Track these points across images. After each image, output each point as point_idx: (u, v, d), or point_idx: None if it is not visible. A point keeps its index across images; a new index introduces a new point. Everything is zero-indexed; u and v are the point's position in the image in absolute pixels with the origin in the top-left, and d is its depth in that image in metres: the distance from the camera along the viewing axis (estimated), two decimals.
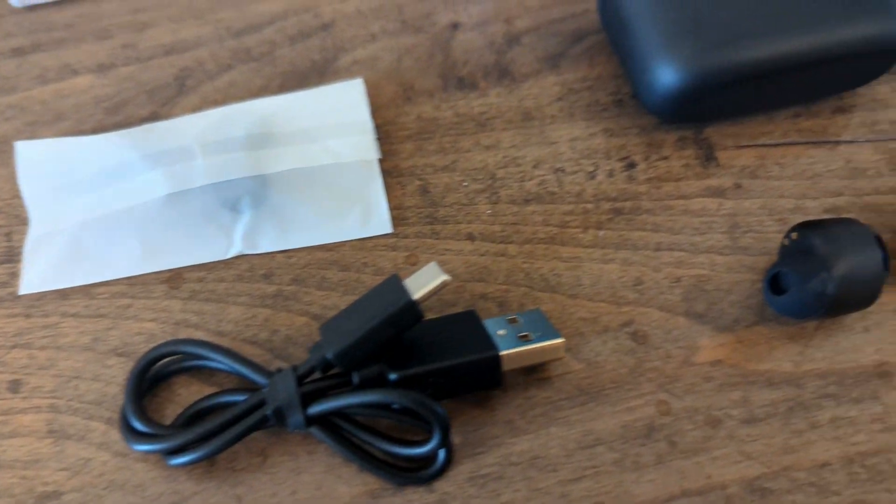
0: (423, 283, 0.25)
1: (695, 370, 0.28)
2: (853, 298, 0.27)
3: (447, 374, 0.25)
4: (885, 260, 0.27)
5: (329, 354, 0.25)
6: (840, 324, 0.29)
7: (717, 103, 0.30)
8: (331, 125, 0.31)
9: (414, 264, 0.29)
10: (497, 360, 0.26)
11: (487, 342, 0.26)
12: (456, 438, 0.27)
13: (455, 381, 0.26)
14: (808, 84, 0.31)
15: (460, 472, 0.26)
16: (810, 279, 0.26)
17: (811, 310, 0.26)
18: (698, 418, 0.27)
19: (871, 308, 0.29)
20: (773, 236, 0.30)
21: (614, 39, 0.32)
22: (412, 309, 0.25)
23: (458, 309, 0.28)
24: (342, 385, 0.26)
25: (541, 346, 0.26)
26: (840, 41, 0.29)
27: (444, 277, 0.25)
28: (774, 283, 0.27)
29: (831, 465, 0.27)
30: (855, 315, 0.29)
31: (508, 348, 0.26)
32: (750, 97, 0.31)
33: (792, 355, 0.28)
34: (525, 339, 0.26)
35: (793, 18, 0.29)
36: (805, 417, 0.27)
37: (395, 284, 0.25)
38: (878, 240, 0.27)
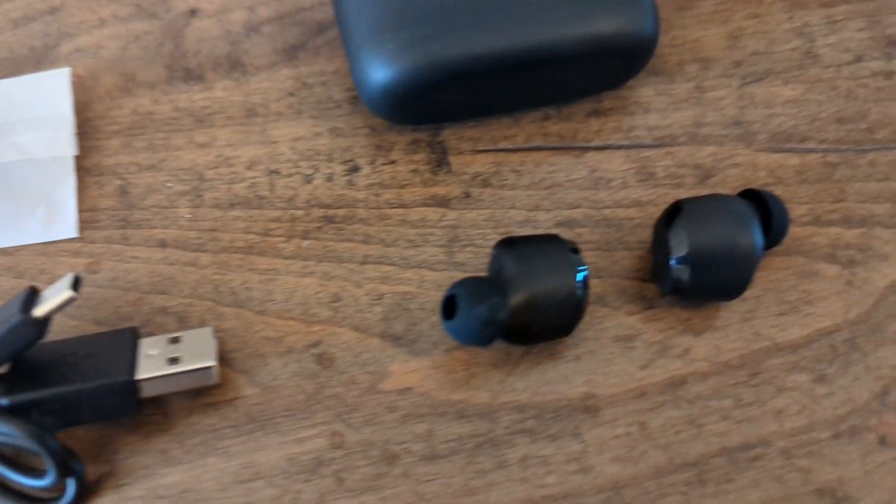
0: (47, 298, 0.23)
1: (379, 399, 0.25)
2: (542, 325, 0.24)
3: (70, 399, 0.23)
4: (585, 281, 0.24)
5: None
6: (550, 351, 0.26)
7: (444, 102, 0.27)
8: (24, 119, 0.28)
9: (95, 272, 0.27)
10: (129, 385, 0.23)
11: (126, 365, 0.23)
12: (105, 467, 0.24)
13: (81, 406, 0.23)
14: (553, 84, 0.28)
15: None
16: (480, 304, 0.23)
17: (482, 338, 0.24)
18: (373, 453, 0.25)
19: (588, 334, 0.26)
20: None
21: (341, 32, 0.29)
22: (28, 327, 0.22)
23: (135, 323, 0.26)
24: None
25: (186, 371, 0.24)
26: (576, 38, 0.26)
27: (69, 294, 0.23)
28: (448, 306, 0.24)
29: None
30: (568, 341, 0.26)
31: (150, 372, 0.23)
32: (484, 97, 0.28)
33: (492, 384, 0.26)
34: (175, 363, 0.24)
35: (522, 11, 0.26)
36: (493, 455, 0.25)
37: (21, 299, 0.23)
38: (577, 257, 0.24)
